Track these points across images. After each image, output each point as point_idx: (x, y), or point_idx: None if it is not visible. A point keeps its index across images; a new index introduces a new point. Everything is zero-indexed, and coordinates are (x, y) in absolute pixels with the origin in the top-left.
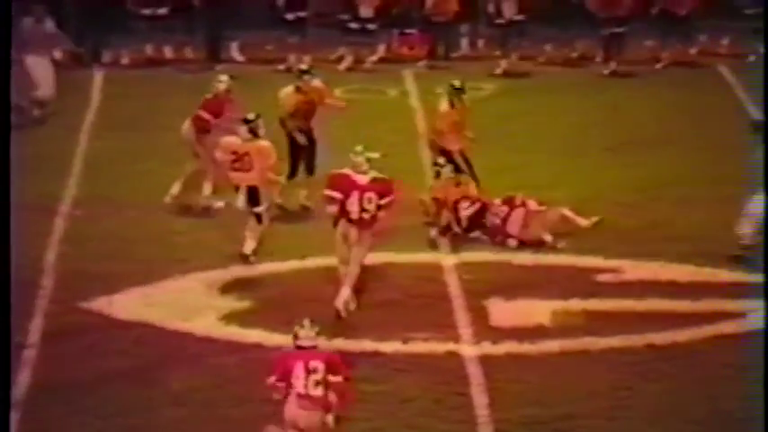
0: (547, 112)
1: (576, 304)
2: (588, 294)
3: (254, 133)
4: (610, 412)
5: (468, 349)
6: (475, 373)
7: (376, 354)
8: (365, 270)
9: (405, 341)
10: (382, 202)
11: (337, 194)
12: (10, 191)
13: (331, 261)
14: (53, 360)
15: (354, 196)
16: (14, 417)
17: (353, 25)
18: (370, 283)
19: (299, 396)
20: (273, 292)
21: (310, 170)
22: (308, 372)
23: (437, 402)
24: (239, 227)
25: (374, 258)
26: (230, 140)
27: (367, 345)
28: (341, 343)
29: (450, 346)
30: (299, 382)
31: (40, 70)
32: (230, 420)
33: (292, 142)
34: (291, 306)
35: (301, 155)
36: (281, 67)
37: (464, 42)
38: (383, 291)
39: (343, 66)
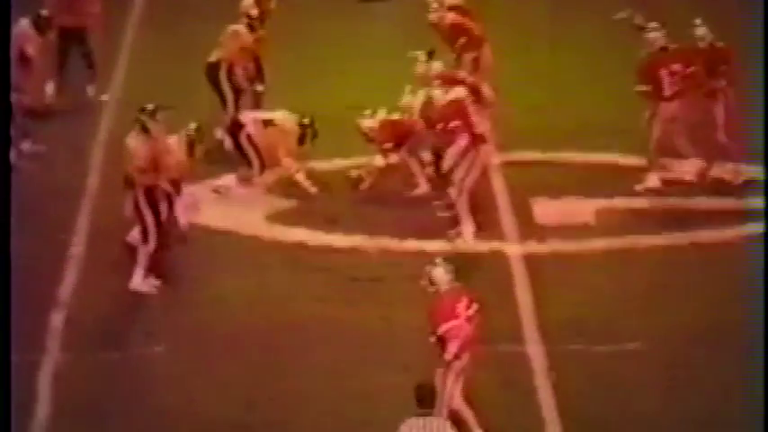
0: (594, 12)
1: (620, 203)
2: (633, 193)
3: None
4: (652, 310)
5: (513, 248)
6: (519, 272)
7: (421, 253)
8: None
9: (449, 240)
10: None
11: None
12: (10, 199)
13: (371, 159)
14: (98, 262)
15: None
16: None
17: None
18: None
19: None
20: (318, 190)
21: None
22: None
23: (481, 301)
24: None
25: None
26: None
27: (411, 244)
28: (386, 242)
29: (495, 245)
30: None
31: None
32: (273, 321)
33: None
34: (335, 205)
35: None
36: None
37: None
38: None
39: None
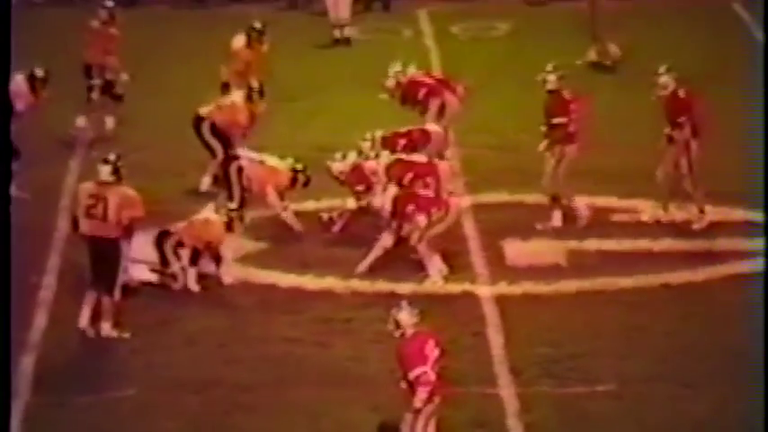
0: (560, 52)
1: (591, 244)
2: (604, 234)
3: None
4: (623, 351)
5: (485, 289)
6: (491, 313)
7: (392, 294)
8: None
9: (420, 281)
10: None
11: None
12: (10, 191)
13: (343, 203)
14: (69, 305)
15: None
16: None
17: None
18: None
19: None
20: (290, 232)
21: None
22: None
23: (453, 342)
24: None
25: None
26: None
27: (382, 285)
28: (357, 284)
29: (467, 287)
30: None
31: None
32: (244, 362)
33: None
34: (306, 247)
35: None
36: None
37: None
38: None
39: None
